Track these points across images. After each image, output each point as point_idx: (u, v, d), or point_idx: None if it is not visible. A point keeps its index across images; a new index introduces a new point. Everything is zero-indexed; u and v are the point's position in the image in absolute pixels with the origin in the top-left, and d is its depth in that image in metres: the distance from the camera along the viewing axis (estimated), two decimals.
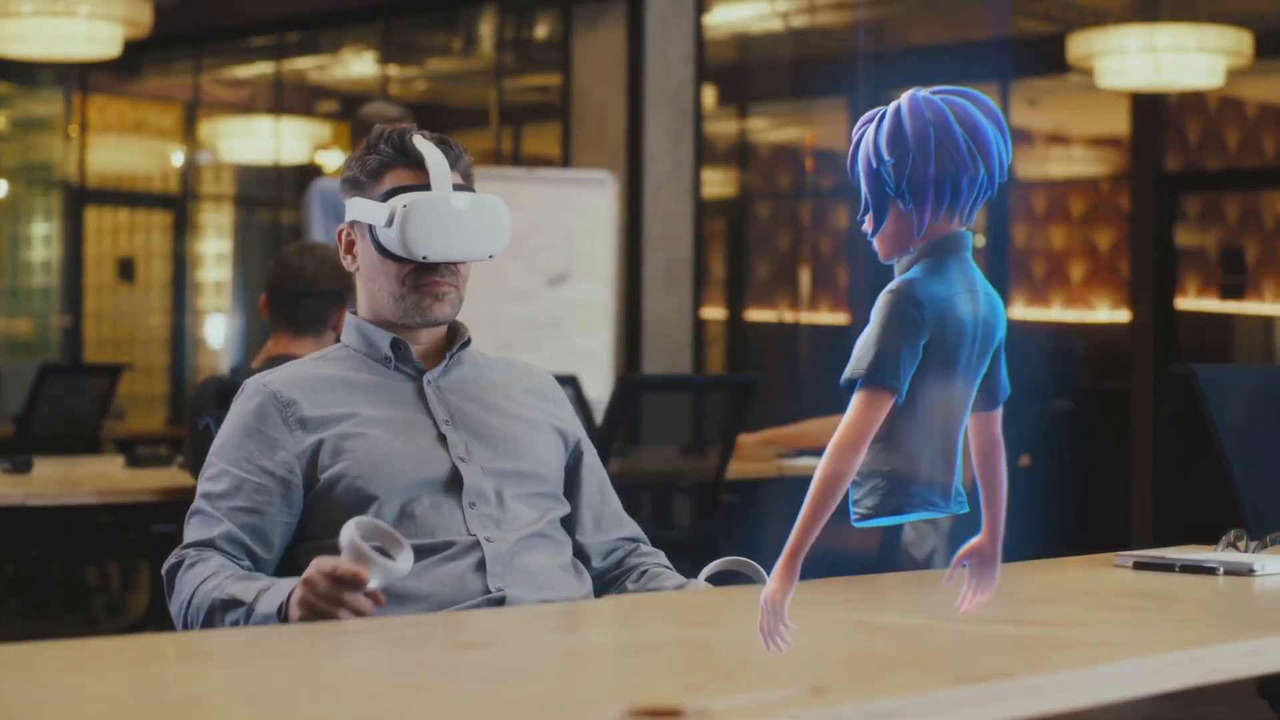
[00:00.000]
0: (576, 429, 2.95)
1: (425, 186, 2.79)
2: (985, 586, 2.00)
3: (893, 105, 2.01)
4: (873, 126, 2.01)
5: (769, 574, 2.37)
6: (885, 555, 5.54)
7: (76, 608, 8.47)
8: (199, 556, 2.67)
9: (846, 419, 1.91)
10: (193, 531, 2.72)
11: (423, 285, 2.81)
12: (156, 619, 5.13)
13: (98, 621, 8.14)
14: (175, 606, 2.67)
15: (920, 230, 1.99)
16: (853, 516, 1.98)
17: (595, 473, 2.96)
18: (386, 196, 2.79)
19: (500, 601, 2.65)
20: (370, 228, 2.81)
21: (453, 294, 2.84)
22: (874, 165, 2.00)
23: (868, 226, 2.05)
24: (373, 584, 2.38)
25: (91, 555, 8.15)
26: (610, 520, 2.94)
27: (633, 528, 2.97)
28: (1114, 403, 10.32)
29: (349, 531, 2.42)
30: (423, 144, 2.81)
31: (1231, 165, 10.69)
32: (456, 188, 2.81)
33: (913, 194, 1.97)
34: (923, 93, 2.01)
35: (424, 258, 2.77)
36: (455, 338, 2.91)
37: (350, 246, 2.88)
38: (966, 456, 2.02)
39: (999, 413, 2.02)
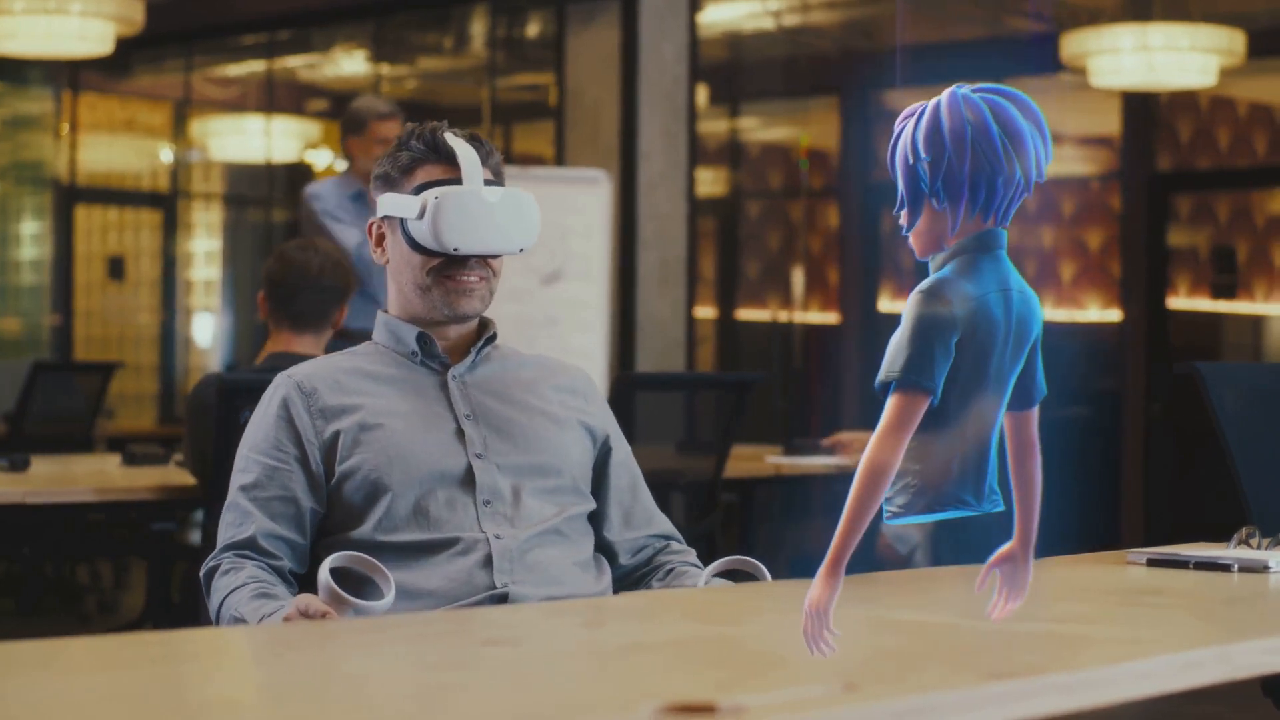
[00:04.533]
0: (607, 425, 2.96)
1: (456, 181, 2.80)
2: (1017, 592, 1.98)
3: (933, 101, 2.00)
4: (913, 122, 2.00)
5: (772, 574, 2.36)
6: (863, 550, 5.55)
7: (69, 607, 8.45)
8: (233, 564, 2.71)
9: (883, 423, 1.89)
10: (227, 531, 2.75)
11: (449, 279, 2.82)
12: (154, 616, 5.11)
13: (90, 620, 8.12)
14: (211, 610, 2.71)
15: (954, 228, 1.98)
16: (885, 514, 1.97)
17: (627, 469, 2.96)
18: (418, 191, 2.81)
19: (503, 598, 2.65)
20: (402, 222, 2.83)
21: (482, 289, 2.86)
22: (910, 162, 1.99)
23: (903, 222, 2.04)
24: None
25: (89, 553, 8.14)
26: (641, 518, 2.95)
27: (665, 525, 2.97)
28: (1105, 402, 10.32)
29: (322, 572, 2.48)
30: (454, 140, 2.84)
31: (1223, 165, 10.70)
32: (487, 183, 2.82)
33: (947, 192, 1.96)
34: (964, 90, 2.00)
35: (455, 250, 2.79)
36: (483, 333, 2.92)
37: (381, 240, 2.91)
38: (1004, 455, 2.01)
39: (1034, 413, 2.01)
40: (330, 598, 2.45)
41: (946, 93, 2.00)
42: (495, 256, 2.86)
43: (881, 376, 1.92)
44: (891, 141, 2.04)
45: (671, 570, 2.90)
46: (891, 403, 1.90)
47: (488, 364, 2.91)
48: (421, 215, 2.79)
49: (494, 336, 2.93)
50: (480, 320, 2.93)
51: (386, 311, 2.93)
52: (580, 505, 2.85)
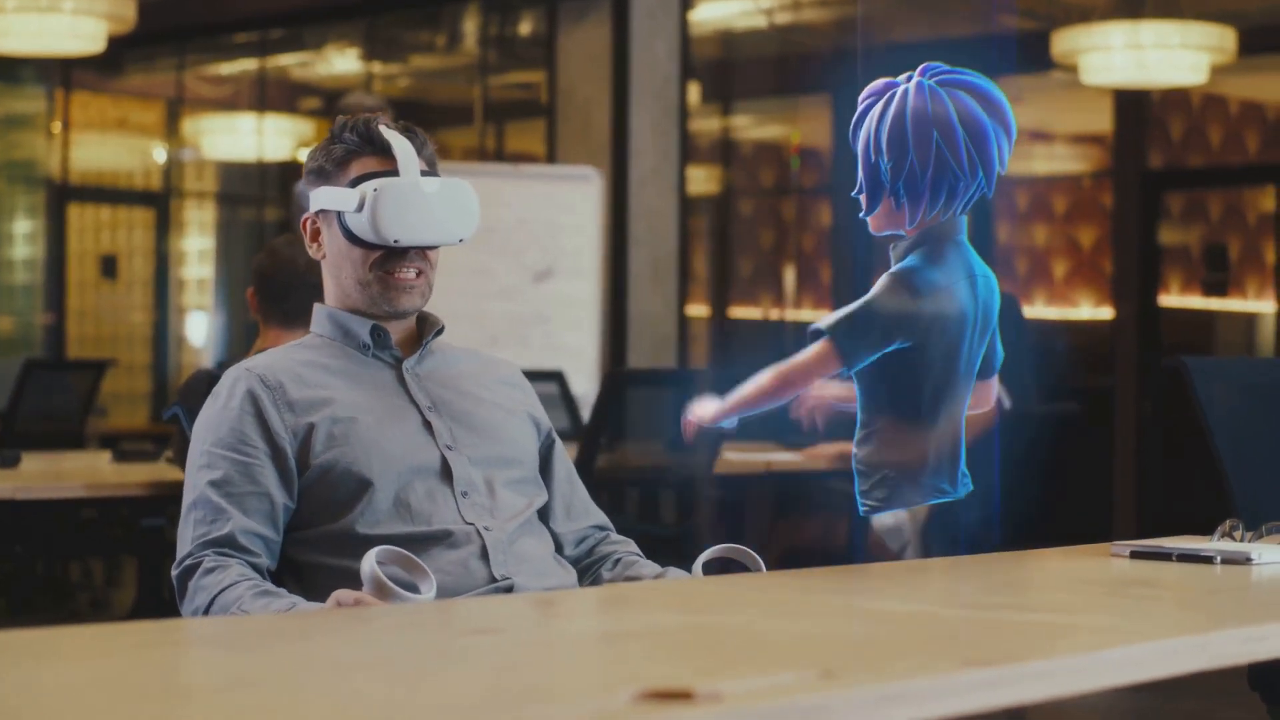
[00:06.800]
0: (545, 418, 2.97)
1: (393, 173, 2.78)
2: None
3: (900, 90, 2.00)
4: (879, 108, 2.01)
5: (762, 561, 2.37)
6: (853, 548, 5.57)
7: (61, 604, 8.45)
8: (217, 562, 2.63)
9: (801, 361, 1.96)
10: (200, 528, 2.67)
11: (390, 274, 2.80)
12: (145, 612, 5.12)
13: (82, 617, 8.12)
14: (189, 611, 2.63)
15: (911, 224, 1.99)
16: (861, 509, 1.98)
17: (564, 462, 2.97)
18: (354, 184, 2.79)
19: (509, 589, 2.65)
20: (338, 215, 2.80)
21: (421, 283, 2.84)
22: (872, 158, 2.00)
23: (863, 204, 2.05)
24: None
25: (81, 551, 8.14)
26: (579, 509, 2.95)
27: (600, 516, 2.98)
28: (1097, 399, 10.34)
29: (369, 562, 2.41)
30: (388, 132, 2.82)
31: (1214, 162, 10.71)
32: (423, 174, 2.81)
33: (907, 194, 1.97)
34: (931, 81, 2.00)
35: (395, 241, 2.77)
36: (428, 327, 2.90)
37: (316, 235, 2.87)
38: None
39: (994, 381, 2.03)
40: (376, 590, 2.39)
41: (914, 85, 2.00)
42: (434, 247, 2.85)
43: (818, 325, 1.97)
44: (855, 119, 2.05)
45: (619, 560, 2.89)
46: (816, 349, 1.96)
47: (431, 357, 2.89)
48: (360, 208, 2.77)
49: (441, 329, 2.91)
50: (420, 313, 2.91)
51: (324, 304, 2.90)
52: (541, 496, 2.86)
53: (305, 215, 2.88)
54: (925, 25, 10.72)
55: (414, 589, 2.47)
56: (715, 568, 2.81)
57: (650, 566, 2.85)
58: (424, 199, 2.78)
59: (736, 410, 2.07)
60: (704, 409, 2.10)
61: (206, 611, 2.60)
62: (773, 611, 2.10)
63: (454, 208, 2.81)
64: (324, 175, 2.84)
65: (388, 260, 2.81)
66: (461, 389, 2.87)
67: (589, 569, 2.92)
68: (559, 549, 2.89)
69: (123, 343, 12.73)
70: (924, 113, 1.98)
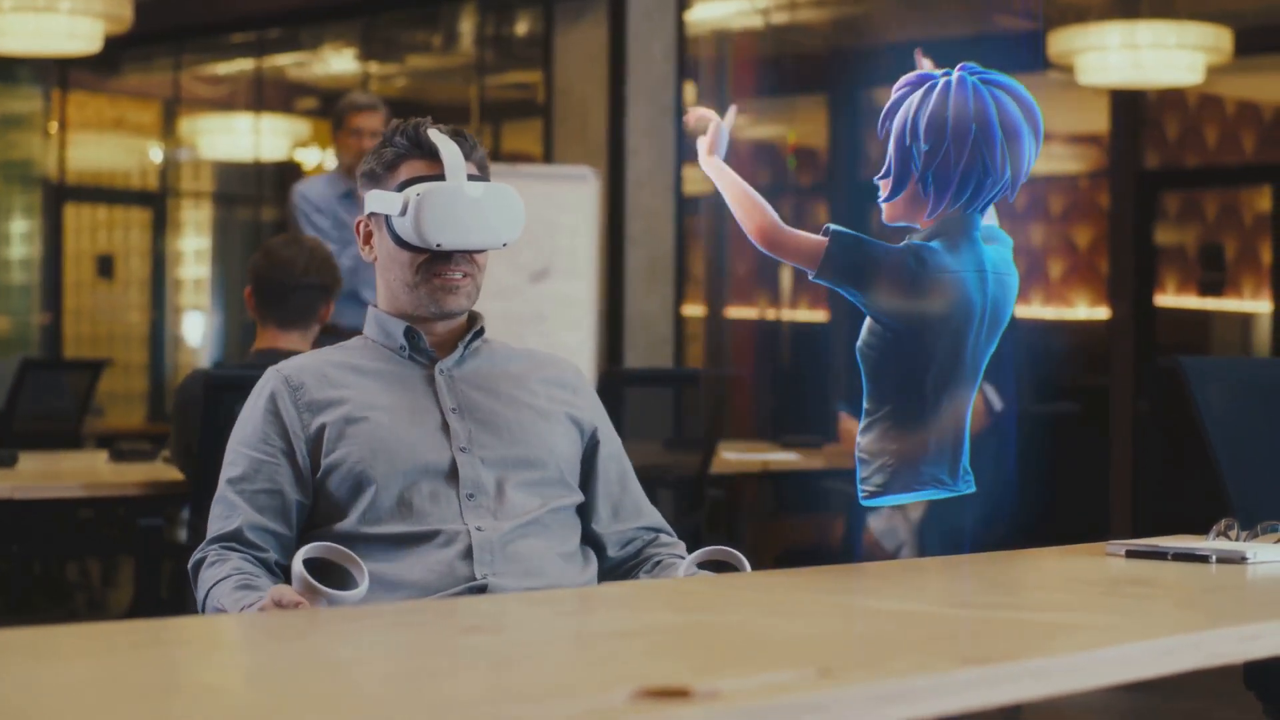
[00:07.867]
0: (595, 418, 2.96)
1: (440, 177, 2.81)
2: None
3: (941, 83, 2.01)
4: (918, 96, 2.02)
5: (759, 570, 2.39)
6: (849, 547, 5.58)
7: (58, 604, 8.45)
8: (219, 556, 2.73)
9: (793, 231, 2.04)
10: (215, 524, 2.77)
11: (436, 276, 2.83)
12: (143, 612, 5.12)
13: (79, 617, 8.12)
14: (197, 602, 2.73)
15: (931, 214, 2.00)
16: (860, 494, 1.99)
17: (615, 462, 2.97)
18: (402, 187, 2.83)
19: (482, 589, 2.67)
20: (386, 218, 2.84)
21: (468, 285, 2.87)
22: (907, 142, 2.02)
23: (884, 191, 2.07)
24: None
25: (76, 550, 8.14)
26: (629, 510, 2.96)
27: (654, 518, 2.98)
28: (1093, 399, 10.34)
29: (296, 562, 2.51)
30: (437, 136, 2.85)
31: (1211, 162, 10.71)
32: (472, 178, 2.84)
33: (936, 183, 1.99)
34: (973, 78, 2.01)
35: (438, 246, 2.80)
36: (471, 327, 2.93)
37: (368, 238, 2.92)
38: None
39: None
40: (304, 588, 2.47)
41: (955, 76, 2.01)
42: (479, 251, 2.87)
43: (832, 225, 2.02)
44: (889, 106, 2.07)
45: (659, 562, 2.91)
46: (809, 238, 2.01)
47: (476, 358, 2.92)
48: (404, 212, 2.80)
49: (481, 330, 2.94)
50: (470, 314, 2.94)
51: (376, 306, 2.95)
52: (566, 497, 2.86)
53: (359, 218, 2.92)
54: (922, 25, 10.72)
55: (356, 584, 2.54)
56: (707, 569, 2.82)
57: (683, 569, 2.87)
58: (467, 203, 2.80)
59: (717, 163, 2.26)
60: (702, 127, 2.30)
61: (204, 603, 2.70)
62: (770, 610, 2.11)
63: (498, 212, 2.83)
64: (375, 178, 2.89)
65: (433, 264, 2.84)
66: (496, 390, 2.88)
67: (631, 571, 2.94)
68: (601, 550, 2.91)
69: (119, 342, 12.72)
70: (965, 106, 2.01)
